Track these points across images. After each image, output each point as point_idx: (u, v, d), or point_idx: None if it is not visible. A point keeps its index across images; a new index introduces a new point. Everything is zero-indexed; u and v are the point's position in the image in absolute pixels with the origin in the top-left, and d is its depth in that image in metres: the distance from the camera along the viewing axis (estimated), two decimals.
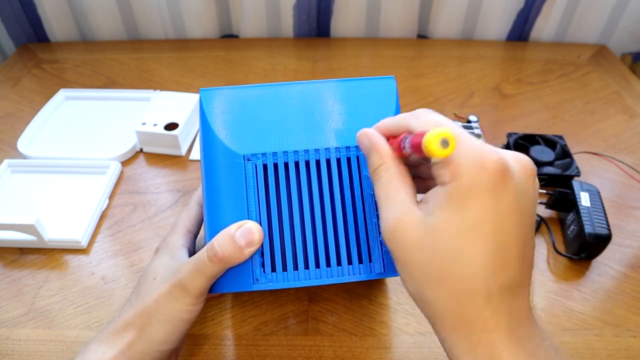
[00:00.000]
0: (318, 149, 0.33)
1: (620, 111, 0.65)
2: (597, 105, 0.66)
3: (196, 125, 0.61)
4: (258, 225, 0.31)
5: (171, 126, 0.56)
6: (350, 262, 0.32)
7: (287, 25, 0.79)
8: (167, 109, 0.59)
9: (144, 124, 0.56)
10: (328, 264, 0.32)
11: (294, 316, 0.41)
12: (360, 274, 0.32)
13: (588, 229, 0.43)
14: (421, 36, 0.82)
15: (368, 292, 0.43)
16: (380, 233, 0.32)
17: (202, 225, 0.38)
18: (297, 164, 0.33)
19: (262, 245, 0.31)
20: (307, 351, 0.39)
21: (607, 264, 0.45)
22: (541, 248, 0.47)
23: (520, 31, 0.79)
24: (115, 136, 0.59)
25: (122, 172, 0.55)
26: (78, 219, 0.48)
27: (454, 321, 0.24)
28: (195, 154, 0.58)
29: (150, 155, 0.58)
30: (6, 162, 0.54)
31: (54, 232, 0.47)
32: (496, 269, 0.23)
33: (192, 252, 0.36)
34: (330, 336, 0.40)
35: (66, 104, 0.65)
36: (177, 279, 0.31)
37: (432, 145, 0.22)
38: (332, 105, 0.34)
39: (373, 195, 0.32)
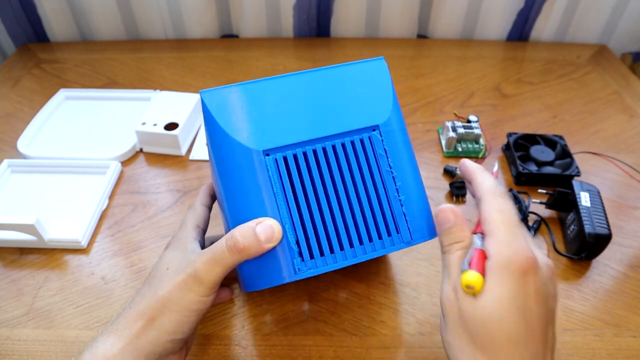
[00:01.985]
0: (332, 135, 0.34)
1: (620, 111, 0.65)
2: (597, 105, 0.66)
3: (196, 125, 0.61)
4: (278, 222, 0.32)
5: (171, 126, 0.56)
6: (380, 237, 0.33)
7: (287, 25, 0.79)
8: (167, 109, 0.59)
9: (144, 123, 0.56)
10: (360, 242, 0.33)
11: (294, 316, 0.41)
12: (392, 246, 0.33)
13: (588, 228, 0.43)
14: (421, 36, 0.82)
15: (368, 291, 0.43)
16: (405, 216, 0.34)
17: (209, 225, 0.39)
18: (314, 152, 0.33)
19: (296, 235, 0.32)
20: (307, 351, 0.39)
21: (607, 263, 0.45)
22: (541, 248, 0.47)
23: (520, 31, 0.79)
24: (115, 136, 0.59)
25: (122, 172, 0.55)
26: (78, 219, 0.48)
27: None
28: (195, 154, 0.57)
29: (150, 155, 0.58)
30: (6, 162, 0.54)
31: (54, 232, 0.46)
32: (527, 339, 0.27)
33: (202, 245, 0.36)
34: (330, 336, 0.40)
35: (66, 103, 0.65)
36: (193, 269, 0.31)
37: (463, 284, 0.28)
38: (332, 92, 0.35)
39: (390, 171, 0.34)
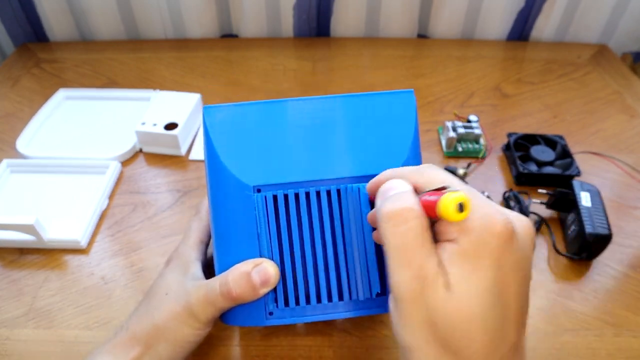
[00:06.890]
0: (330, 179, 0.31)
1: (620, 111, 0.65)
2: (598, 105, 0.66)
3: (196, 125, 0.61)
4: (275, 265, 0.31)
5: (171, 126, 0.56)
6: (363, 297, 0.32)
7: (287, 25, 0.79)
8: (167, 109, 0.59)
9: (143, 123, 0.56)
10: (341, 298, 0.31)
11: None
12: (376, 308, 0.32)
13: (588, 228, 0.43)
14: (421, 36, 0.82)
15: None
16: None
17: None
18: (307, 195, 0.31)
19: None
20: (307, 351, 0.39)
21: (607, 264, 0.45)
22: (541, 248, 0.47)
23: (521, 31, 0.79)
24: (115, 136, 0.59)
25: (122, 172, 0.55)
26: (77, 219, 0.48)
27: None
28: (195, 154, 0.57)
29: (150, 155, 0.58)
30: (5, 162, 0.54)
31: (54, 232, 0.46)
32: (505, 331, 0.23)
33: (204, 263, 0.36)
34: (330, 336, 0.40)
35: (66, 103, 0.65)
36: (188, 303, 0.31)
37: (448, 209, 0.22)
38: (345, 125, 0.32)
39: None
